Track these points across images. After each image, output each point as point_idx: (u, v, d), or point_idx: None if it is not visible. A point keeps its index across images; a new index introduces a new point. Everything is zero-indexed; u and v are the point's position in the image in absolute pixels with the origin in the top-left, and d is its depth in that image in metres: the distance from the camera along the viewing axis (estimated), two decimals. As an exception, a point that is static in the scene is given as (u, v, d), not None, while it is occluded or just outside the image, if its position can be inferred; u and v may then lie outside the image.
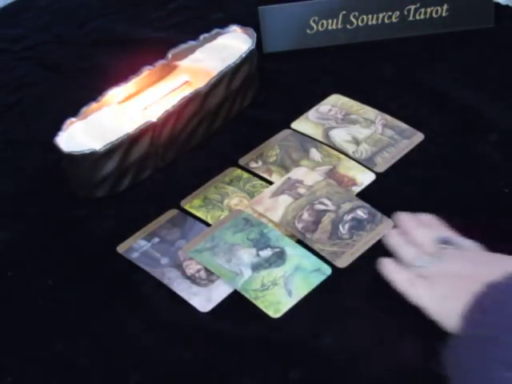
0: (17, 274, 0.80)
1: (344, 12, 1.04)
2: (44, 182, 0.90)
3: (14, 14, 1.21)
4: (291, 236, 0.79)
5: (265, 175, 0.87)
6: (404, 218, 0.78)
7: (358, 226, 0.79)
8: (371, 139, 0.90)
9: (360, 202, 0.82)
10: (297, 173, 0.87)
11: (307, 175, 0.86)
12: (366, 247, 0.78)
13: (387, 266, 0.74)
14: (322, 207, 0.82)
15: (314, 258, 0.77)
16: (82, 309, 0.76)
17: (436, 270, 0.70)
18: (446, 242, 0.72)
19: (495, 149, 0.87)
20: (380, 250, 0.76)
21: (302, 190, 0.84)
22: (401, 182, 0.85)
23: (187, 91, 0.90)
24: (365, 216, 0.80)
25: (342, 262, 0.76)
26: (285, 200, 0.83)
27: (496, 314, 0.59)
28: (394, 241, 0.76)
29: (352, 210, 0.81)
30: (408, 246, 0.74)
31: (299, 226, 0.80)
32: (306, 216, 0.81)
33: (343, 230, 0.79)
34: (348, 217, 0.81)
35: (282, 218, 0.81)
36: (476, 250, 0.72)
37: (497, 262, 0.69)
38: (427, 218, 0.77)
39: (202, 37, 0.98)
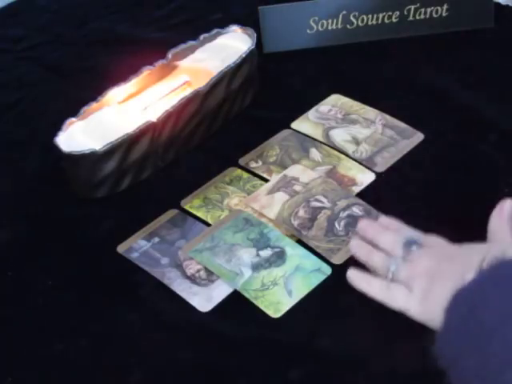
0: (17, 274, 0.80)
1: (344, 12, 1.04)
2: (44, 182, 0.90)
3: (14, 14, 1.21)
4: (290, 235, 0.79)
5: (265, 175, 0.87)
6: (366, 225, 0.76)
7: (353, 222, 0.79)
8: (371, 139, 0.90)
9: (355, 199, 0.82)
10: (292, 170, 0.87)
11: (303, 172, 0.86)
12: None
13: (357, 278, 0.72)
14: (317, 204, 0.82)
15: (314, 258, 0.77)
16: (81, 309, 0.76)
17: (408, 272, 0.69)
18: (411, 242, 0.71)
19: (495, 149, 0.87)
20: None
21: (297, 188, 0.84)
22: (401, 181, 0.85)
23: (187, 91, 0.90)
24: (360, 213, 0.80)
25: (338, 259, 0.76)
26: (281, 197, 0.83)
27: (485, 308, 0.57)
28: (361, 250, 0.74)
29: (348, 207, 0.81)
30: (376, 253, 0.72)
31: (295, 223, 0.80)
32: (301, 213, 0.81)
33: (339, 226, 0.80)
34: (344, 214, 0.81)
35: (278, 215, 0.81)
36: (441, 244, 0.71)
37: (466, 255, 0.67)
38: (388, 222, 0.75)
39: (202, 37, 0.98)
